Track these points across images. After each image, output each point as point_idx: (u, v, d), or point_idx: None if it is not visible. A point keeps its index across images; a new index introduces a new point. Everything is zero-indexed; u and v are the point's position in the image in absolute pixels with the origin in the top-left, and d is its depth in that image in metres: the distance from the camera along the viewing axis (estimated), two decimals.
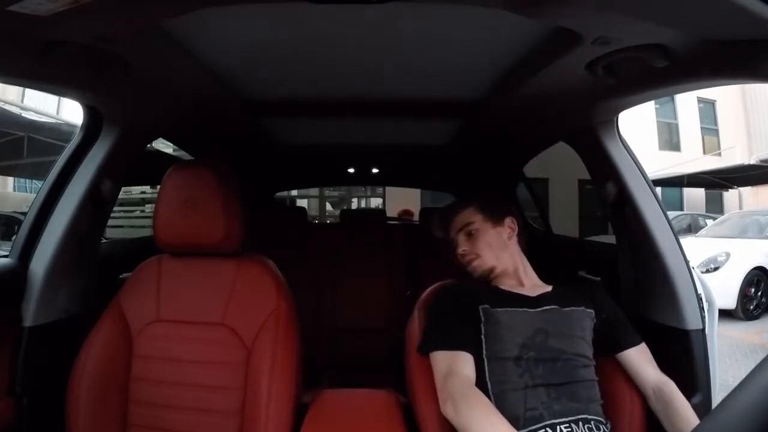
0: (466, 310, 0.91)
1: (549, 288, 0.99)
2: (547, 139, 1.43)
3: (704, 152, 10.66)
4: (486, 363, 0.85)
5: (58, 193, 1.05)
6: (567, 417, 0.78)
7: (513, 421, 0.75)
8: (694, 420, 0.80)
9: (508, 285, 0.99)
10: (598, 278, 1.25)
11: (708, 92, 10.14)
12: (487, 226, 1.04)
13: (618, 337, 0.93)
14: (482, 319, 0.89)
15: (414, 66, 1.01)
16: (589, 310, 0.94)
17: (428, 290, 1.05)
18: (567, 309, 0.92)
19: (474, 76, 1.06)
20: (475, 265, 1.01)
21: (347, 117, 1.42)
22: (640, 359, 0.91)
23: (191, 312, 0.98)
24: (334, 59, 0.98)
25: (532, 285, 1.00)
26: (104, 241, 1.42)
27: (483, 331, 0.88)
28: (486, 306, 0.90)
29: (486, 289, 0.98)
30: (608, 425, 0.82)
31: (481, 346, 0.87)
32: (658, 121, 10.55)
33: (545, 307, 0.91)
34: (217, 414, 0.91)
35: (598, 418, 0.81)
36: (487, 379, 0.84)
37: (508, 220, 1.05)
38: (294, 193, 6.20)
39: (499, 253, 1.01)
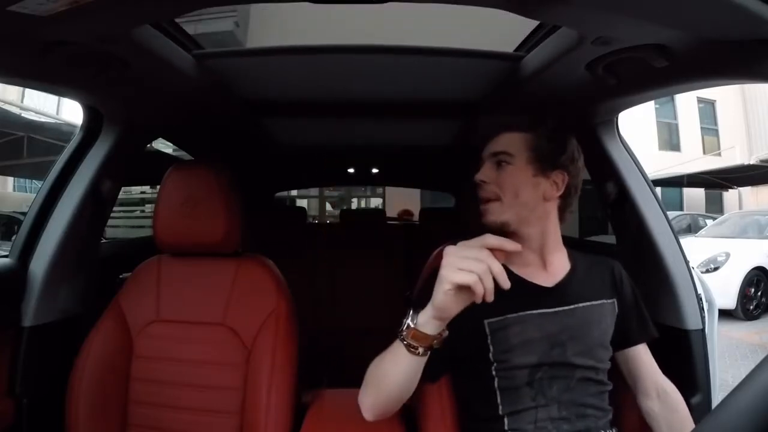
0: (466, 322, 0.70)
1: (569, 265, 0.84)
2: None
3: (704, 152, 10.66)
4: (498, 392, 0.76)
5: (58, 193, 1.05)
6: None
7: None
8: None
9: (524, 265, 0.81)
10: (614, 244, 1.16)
11: (708, 92, 10.14)
12: (526, 168, 0.79)
13: (631, 331, 0.84)
14: (488, 336, 0.76)
15: (414, 66, 1.01)
16: (611, 300, 0.82)
17: (434, 254, 0.97)
18: (589, 305, 0.80)
19: (474, 76, 1.06)
20: (489, 207, 0.80)
21: (347, 117, 1.42)
22: (648, 354, 0.85)
23: (191, 312, 0.98)
24: (334, 59, 0.98)
25: (556, 266, 0.83)
26: (104, 241, 1.42)
27: (491, 352, 0.76)
28: (492, 320, 0.76)
29: None
30: None
31: (491, 372, 0.76)
32: (658, 121, 10.55)
33: (564, 307, 0.78)
34: (217, 414, 0.91)
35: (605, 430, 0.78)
36: (499, 402, 0.76)
37: (556, 174, 0.80)
38: (294, 193, 6.20)
39: (523, 210, 0.79)
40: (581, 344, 0.77)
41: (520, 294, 0.76)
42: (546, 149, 0.80)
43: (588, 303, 0.80)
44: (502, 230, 0.79)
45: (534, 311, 0.77)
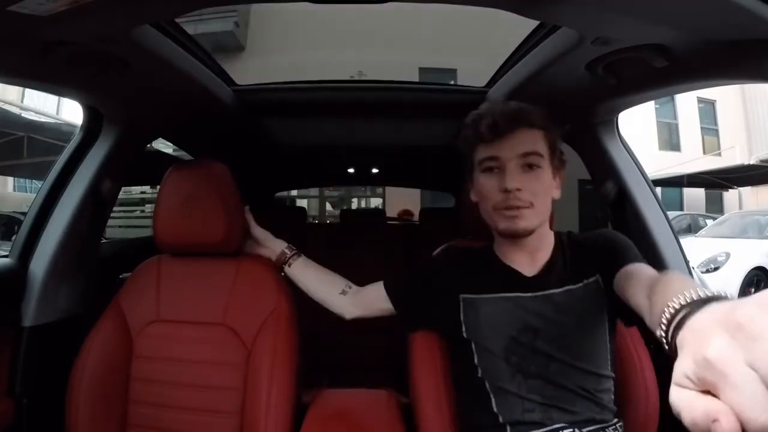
0: (445, 296, 0.79)
1: (551, 254, 0.80)
2: None
3: (704, 152, 10.66)
4: (474, 349, 0.75)
5: (58, 193, 1.05)
6: (565, 423, 0.72)
7: (513, 426, 0.73)
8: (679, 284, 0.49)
9: (514, 255, 0.80)
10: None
11: (708, 92, 10.14)
12: (548, 169, 0.75)
13: (616, 264, 0.72)
14: (461, 310, 0.79)
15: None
16: (593, 278, 0.75)
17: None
18: (566, 289, 0.75)
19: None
20: (522, 213, 0.73)
21: (347, 117, 1.42)
22: (640, 269, 0.67)
23: (191, 312, 0.97)
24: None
25: (541, 256, 0.80)
26: (104, 241, 1.42)
27: (462, 319, 0.79)
28: (467, 296, 0.79)
29: (481, 259, 0.83)
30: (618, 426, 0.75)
31: (461, 329, 0.78)
32: (658, 121, 10.55)
33: (539, 293, 0.75)
34: (217, 414, 0.91)
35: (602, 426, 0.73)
36: (476, 363, 0.75)
37: (561, 174, 0.79)
38: (294, 193, 6.20)
39: (547, 213, 0.76)
40: (557, 333, 0.74)
41: (500, 278, 0.80)
42: (558, 148, 0.79)
43: (569, 287, 0.76)
44: (525, 236, 0.76)
45: (509, 294, 0.77)
